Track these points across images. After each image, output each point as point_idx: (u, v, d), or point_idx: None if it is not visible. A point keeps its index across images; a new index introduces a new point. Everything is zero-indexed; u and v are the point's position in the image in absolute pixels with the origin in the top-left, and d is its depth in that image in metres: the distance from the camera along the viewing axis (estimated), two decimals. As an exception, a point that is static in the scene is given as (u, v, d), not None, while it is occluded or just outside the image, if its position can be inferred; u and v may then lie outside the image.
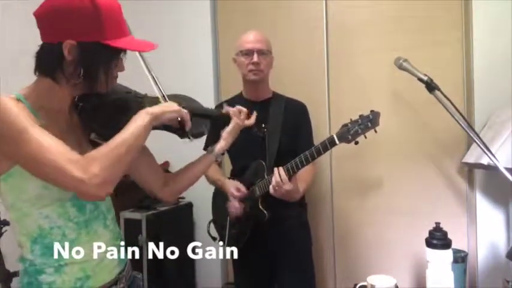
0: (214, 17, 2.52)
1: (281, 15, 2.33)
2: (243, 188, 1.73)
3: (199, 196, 2.30)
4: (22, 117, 0.87)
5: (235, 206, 1.72)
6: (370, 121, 1.48)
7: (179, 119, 1.07)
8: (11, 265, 1.83)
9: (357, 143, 1.50)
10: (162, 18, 2.61)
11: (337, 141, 1.51)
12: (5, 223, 1.81)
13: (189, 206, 2.54)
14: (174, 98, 1.20)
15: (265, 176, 1.70)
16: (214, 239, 1.94)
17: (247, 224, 1.76)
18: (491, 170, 1.64)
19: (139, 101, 1.12)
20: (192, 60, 2.54)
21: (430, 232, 1.34)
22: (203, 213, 2.27)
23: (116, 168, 0.90)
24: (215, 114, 1.31)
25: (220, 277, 2.54)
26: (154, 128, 1.04)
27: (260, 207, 1.71)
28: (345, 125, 1.51)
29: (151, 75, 1.19)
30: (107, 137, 1.00)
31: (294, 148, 1.73)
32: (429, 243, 1.31)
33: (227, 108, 1.34)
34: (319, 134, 1.94)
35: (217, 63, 2.53)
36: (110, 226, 1.09)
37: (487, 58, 1.89)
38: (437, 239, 1.31)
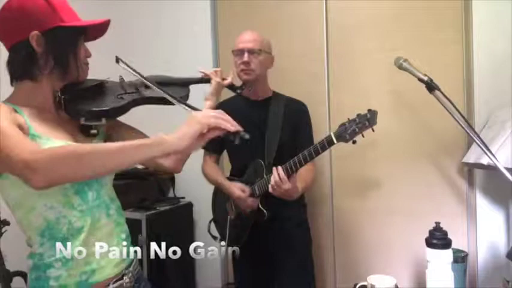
0: (214, 17, 2.52)
1: (281, 15, 2.33)
2: (245, 188, 1.73)
3: (199, 196, 2.30)
4: (3, 116, 0.90)
5: (247, 204, 1.72)
6: (367, 120, 1.48)
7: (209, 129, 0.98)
8: (11, 265, 1.83)
9: (354, 142, 1.49)
10: (162, 18, 2.61)
11: (335, 141, 1.51)
12: (5, 223, 1.81)
13: (189, 206, 2.54)
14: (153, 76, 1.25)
15: (265, 176, 1.70)
16: (215, 238, 1.94)
17: (247, 223, 1.77)
18: (491, 170, 1.64)
19: (118, 84, 1.18)
20: (192, 60, 2.54)
21: (430, 232, 1.34)
22: (203, 213, 2.27)
23: (66, 168, 0.86)
24: (195, 79, 1.42)
25: (220, 277, 2.54)
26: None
27: (260, 206, 1.71)
28: (343, 124, 1.51)
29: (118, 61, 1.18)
30: (95, 116, 1.04)
31: (293, 147, 1.73)
32: (429, 243, 1.31)
33: (204, 71, 1.45)
34: (319, 134, 1.94)
35: (217, 63, 2.53)
36: (113, 216, 1.09)
37: (487, 58, 1.89)
38: (437, 238, 1.31)
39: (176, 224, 2.44)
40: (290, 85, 2.12)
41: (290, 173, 1.59)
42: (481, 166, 1.68)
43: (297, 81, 2.26)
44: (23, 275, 1.88)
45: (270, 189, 1.60)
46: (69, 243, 0.99)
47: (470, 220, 2.00)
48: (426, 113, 2.02)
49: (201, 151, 1.93)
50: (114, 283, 1.05)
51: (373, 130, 1.49)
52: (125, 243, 1.12)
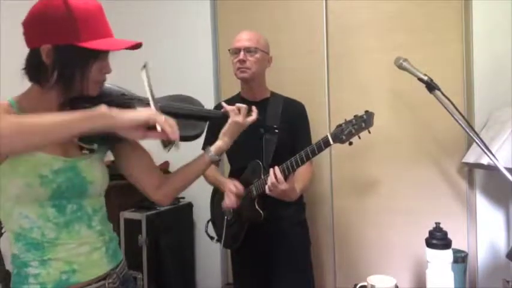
0: (214, 17, 2.52)
1: (281, 15, 2.33)
2: (239, 185, 1.72)
3: (199, 196, 2.30)
4: None
5: (230, 199, 1.69)
6: (364, 121, 1.47)
7: (158, 128, 0.95)
8: (11, 265, 1.83)
9: (351, 143, 1.49)
10: (162, 19, 2.61)
11: (331, 142, 1.51)
12: (5, 223, 1.81)
13: (189, 206, 2.54)
14: (171, 99, 1.20)
15: (262, 176, 1.69)
16: (212, 238, 1.94)
17: (244, 223, 1.76)
18: (491, 170, 1.65)
19: (129, 103, 1.10)
20: (192, 60, 2.54)
21: (430, 232, 1.34)
22: (203, 213, 2.27)
23: (21, 133, 0.82)
24: (211, 115, 1.26)
25: (220, 277, 2.54)
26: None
27: (256, 207, 1.71)
28: (339, 126, 1.51)
29: (147, 78, 1.12)
30: (89, 142, 1.02)
31: (291, 148, 1.72)
32: (429, 243, 1.31)
33: (225, 107, 1.31)
34: (319, 134, 1.93)
35: (217, 63, 2.54)
36: (96, 227, 1.07)
37: (487, 58, 1.89)
38: (437, 239, 1.31)
39: (176, 224, 2.44)
40: (290, 85, 2.12)
41: (287, 174, 1.59)
42: (481, 166, 1.68)
43: (297, 81, 2.26)
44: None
45: (267, 190, 1.60)
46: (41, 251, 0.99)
47: (470, 220, 2.00)
48: (426, 113, 2.02)
49: (199, 152, 1.93)
50: (96, 283, 1.05)
51: (369, 132, 1.49)
52: (109, 246, 1.11)
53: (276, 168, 1.59)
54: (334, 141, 1.51)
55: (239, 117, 1.31)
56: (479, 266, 1.92)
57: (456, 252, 1.55)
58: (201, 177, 1.87)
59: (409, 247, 2.06)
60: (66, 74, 0.97)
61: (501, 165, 1.35)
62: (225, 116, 1.31)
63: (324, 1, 2.24)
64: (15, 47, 2.22)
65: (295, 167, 1.59)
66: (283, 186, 1.57)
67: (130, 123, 0.93)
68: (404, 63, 1.59)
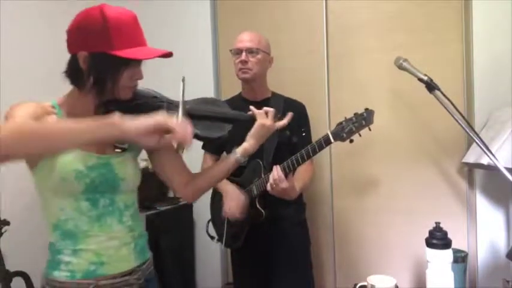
0: (214, 17, 2.52)
1: (281, 15, 2.33)
2: (241, 194, 1.72)
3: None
4: (25, 111, 0.99)
5: (233, 211, 1.71)
6: (364, 119, 1.48)
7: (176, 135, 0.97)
8: (11, 265, 1.83)
9: (351, 141, 1.50)
10: (162, 19, 2.61)
11: (332, 140, 1.52)
12: (5, 223, 1.81)
13: (189, 206, 2.54)
14: (198, 102, 1.24)
15: (263, 175, 1.70)
16: (212, 238, 1.94)
17: (245, 223, 1.76)
18: (491, 170, 1.65)
19: (160, 105, 1.17)
20: (192, 60, 2.54)
21: (430, 232, 1.34)
22: (203, 213, 2.27)
23: (22, 141, 0.86)
24: (238, 117, 1.28)
25: (220, 277, 2.54)
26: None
27: (257, 206, 1.71)
28: (340, 124, 1.52)
29: (182, 82, 1.17)
30: (122, 141, 1.09)
31: (292, 148, 1.73)
32: (429, 243, 1.31)
33: (253, 110, 1.32)
34: (319, 134, 1.93)
35: (217, 64, 2.53)
36: (126, 222, 1.14)
37: (487, 58, 1.89)
38: (437, 239, 1.31)
39: (176, 224, 2.44)
40: (290, 85, 2.12)
41: (288, 172, 1.60)
42: (481, 166, 1.68)
43: (297, 81, 2.26)
44: (23, 275, 1.89)
45: (268, 188, 1.60)
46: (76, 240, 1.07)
47: (470, 220, 2.00)
48: (426, 113, 2.02)
49: (201, 151, 1.94)
50: (121, 277, 1.11)
51: (369, 129, 1.49)
52: (138, 242, 1.17)
53: (277, 166, 1.59)
54: (335, 139, 1.51)
55: (267, 120, 1.31)
56: (479, 266, 1.92)
57: (456, 252, 1.55)
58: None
59: (409, 247, 2.06)
60: (99, 80, 1.05)
61: (501, 165, 1.35)
62: (252, 119, 1.31)
63: (324, 1, 2.24)
64: (15, 47, 2.23)
65: (295, 165, 1.59)
66: (284, 184, 1.57)
67: (137, 131, 0.93)
68: (405, 63, 1.59)
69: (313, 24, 2.26)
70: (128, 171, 1.14)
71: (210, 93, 2.49)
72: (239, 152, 1.29)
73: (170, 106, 1.17)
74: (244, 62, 1.76)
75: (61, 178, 1.02)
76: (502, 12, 1.86)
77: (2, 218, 1.82)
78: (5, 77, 2.07)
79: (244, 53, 1.76)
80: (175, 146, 1.04)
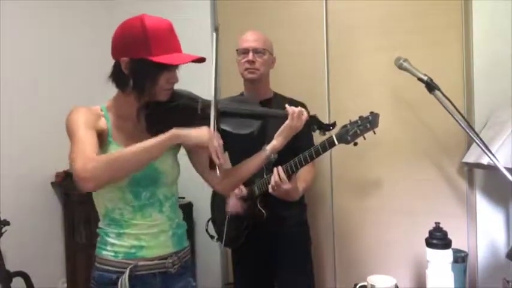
0: (214, 17, 2.52)
1: (281, 15, 2.33)
2: (242, 187, 1.73)
3: (199, 196, 2.30)
4: (81, 121, 1.13)
5: (235, 204, 1.73)
6: (369, 122, 1.48)
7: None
8: (11, 265, 1.83)
9: (355, 144, 1.50)
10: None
11: (336, 142, 1.52)
12: (5, 223, 1.81)
13: (189, 206, 2.54)
14: (229, 100, 1.36)
15: (265, 176, 1.70)
16: (212, 237, 1.94)
17: (245, 223, 1.77)
18: (491, 170, 1.65)
19: (195, 105, 1.30)
20: (192, 60, 2.54)
21: (430, 232, 1.34)
22: (203, 213, 2.27)
23: (108, 171, 1.05)
24: (268, 113, 1.38)
25: (220, 277, 2.54)
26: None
27: (259, 206, 1.72)
28: (344, 126, 1.52)
29: (215, 83, 1.36)
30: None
31: (293, 148, 1.73)
32: (429, 243, 1.31)
33: (288, 109, 1.39)
34: (319, 134, 1.94)
35: (217, 64, 2.53)
36: (165, 212, 1.26)
37: (487, 58, 1.89)
38: (437, 239, 1.31)
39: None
40: (290, 85, 2.12)
41: (290, 173, 1.60)
42: (481, 166, 1.68)
43: (297, 81, 2.26)
44: (23, 275, 1.89)
45: (270, 189, 1.60)
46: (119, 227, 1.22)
47: (470, 220, 2.00)
48: (426, 113, 2.02)
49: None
50: (158, 260, 1.24)
51: (374, 132, 1.49)
52: (176, 232, 1.28)
53: (280, 167, 1.59)
54: (339, 142, 1.52)
55: (297, 122, 1.39)
56: (479, 266, 1.92)
57: (456, 252, 1.55)
58: (201, 178, 1.89)
59: (409, 247, 2.06)
60: (138, 83, 1.17)
61: (501, 165, 1.36)
62: (284, 116, 1.39)
63: (324, 1, 2.24)
64: (15, 47, 2.23)
65: (298, 166, 1.59)
66: (287, 186, 1.57)
67: (192, 143, 1.19)
68: (405, 64, 1.59)
69: (313, 24, 2.26)
70: (167, 165, 1.26)
71: (210, 93, 2.49)
72: (269, 149, 1.39)
73: (204, 105, 1.29)
74: (252, 62, 1.76)
75: None
76: (502, 12, 1.86)
77: (2, 218, 1.82)
78: (5, 77, 2.07)
79: (251, 53, 1.76)
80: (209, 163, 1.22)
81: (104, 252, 1.23)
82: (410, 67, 1.57)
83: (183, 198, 2.53)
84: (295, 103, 1.90)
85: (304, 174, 1.76)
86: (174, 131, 1.13)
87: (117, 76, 1.20)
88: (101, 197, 1.23)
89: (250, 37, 1.79)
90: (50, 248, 2.44)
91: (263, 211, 1.71)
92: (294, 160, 1.60)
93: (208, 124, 1.22)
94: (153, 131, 1.18)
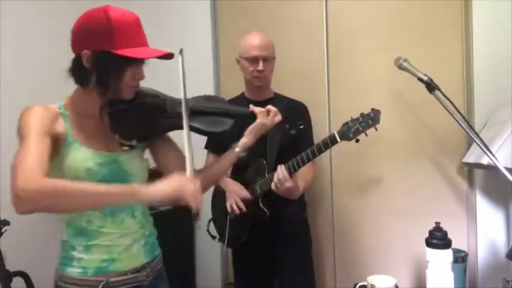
0: (214, 17, 2.52)
1: (281, 16, 2.33)
2: (244, 190, 1.73)
3: (199, 196, 2.29)
4: (35, 124, 1.01)
5: (236, 204, 1.72)
6: (371, 119, 1.49)
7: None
8: (11, 265, 1.83)
9: (357, 141, 1.51)
10: (161, 19, 2.61)
11: (338, 139, 1.52)
12: (5, 223, 1.81)
13: (189, 206, 2.54)
14: (200, 99, 1.28)
15: (266, 175, 1.70)
16: (213, 237, 1.94)
17: (247, 222, 1.77)
18: (491, 170, 1.65)
19: (163, 104, 1.21)
20: (192, 60, 2.53)
21: (430, 232, 1.34)
22: (203, 213, 2.26)
23: (48, 201, 0.92)
24: (239, 112, 1.33)
25: (220, 277, 2.54)
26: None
27: (261, 205, 1.72)
28: (346, 123, 1.53)
29: (183, 80, 1.21)
30: (128, 139, 1.14)
31: (294, 148, 1.73)
32: (429, 243, 1.32)
33: (253, 108, 1.35)
34: (319, 134, 1.94)
35: (217, 63, 2.53)
36: (138, 217, 1.18)
37: (487, 58, 1.89)
38: (437, 238, 1.31)
39: (176, 224, 2.43)
40: (290, 85, 2.12)
41: (292, 171, 1.61)
42: (481, 166, 1.68)
43: (297, 81, 2.26)
44: (23, 275, 1.88)
45: (273, 187, 1.61)
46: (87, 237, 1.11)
47: (470, 220, 2.00)
48: (426, 113, 2.02)
49: (204, 151, 1.94)
50: (131, 274, 1.15)
51: (376, 129, 1.50)
52: (148, 240, 1.21)
53: (282, 165, 1.60)
54: (342, 139, 1.52)
55: (267, 120, 1.34)
56: (479, 266, 1.92)
57: (456, 252, 1.55)
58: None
59: (409, 247, 2.06)
60: (102, 78, 1.08)
61: (501, 165, 1.36)
62: (252, 116, 1.35)
63: (324, 1, 2.23)
64: (16, 47, 2.22)
65: (300, 164, 1.60)
66: (289, 183, 1.58)
67: (155, 199, 1.07)
68: (404, 64, 1.59)
69: (313, 24, 2.26)
70: (137, 167, 1.19)
71: (210, 93, 2.48)
72: (239, 146, 1.33)
73: (172, 104, 1.20)
74: (262, 71, 1.77)
75: (73, 177, 1.05)
76: (502, 12, 1.86)
77: (2, 218, 1.82)
78: (5, 77, 2.07)
79: (261, 62, 1.76)
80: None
81: (69, 269, 1.10)
82: (410, 67, 1.57)
83: (183, 198, 2.53)
84: (294, 104, 1.91)
85: (304, 173, 1.76)
86: (138, 188, 1.02)
87: (78, 71, 1.10)
88: None
89: (259, 44, 1.77)
90: (50, 248, 2.42)
91: (265, 210, 1.71)
92: (296, 158, 1.60)
93: (177, 123, 1.15)
94: (118, 130, 1.13)
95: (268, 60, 1.78)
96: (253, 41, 1.78)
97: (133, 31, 1.09)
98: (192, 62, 2.52)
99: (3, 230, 1.81)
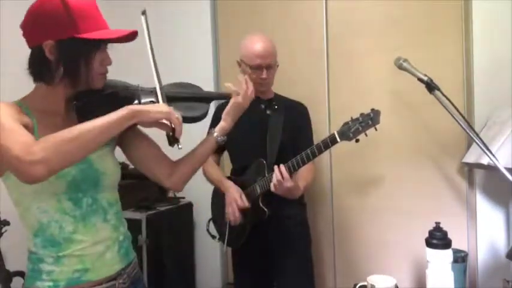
0: (214, 17, 2.52)
1: (281, 15, 2.33)
2: (245, 200, 1.73)
3: (199, 196, 2.30)
4: (4, 114, 0.92)
5: (235, 215, 1.72)
6: (370, 119, 1.49)
7: (168, 122, 1.03)
8: (11, 265, 1.83)
9: (357, 141, 1.51)
10: (162, 18, 2.61)
11: (338, 139, 1.52)
12: (5, 223, 1.81)
13: (189, 206, 2.54)
14: (173, 86, 1.24)
15: (266, 174, 1.70)
16: (213, 237, 1.94)
17: (247, 222, 1.77)
18: (491, 170, 1.64)
19: (133, 93, 1.14)
20: (192, 60, 2.54)
21: (430, 232, 1.34)
22: (203, 213, 2.27)
23: (60, 152, 0.86)
24: (213, 95, 1.29)
25: (220, 277, 2.54)
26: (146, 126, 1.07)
27: (261, 205, 1.72)
28: (346, 123, 1.53)
29: (154, 65, 1.18)
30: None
31: (294, 148, 1.73)
32: (429, 243, 1.31)
33: (228, 86, 1.32)
34: (319, 134, 1.94)
35: (217, 63, 2.53)
36: (111, 221, 1.10)
37: (487, 58, 1.89)
38: (437, 239, 1.31)
39: (176, 224, 2.44)
40: (290, 85, 2.12)
41: (292, 171, 1.61)
42: (481, 166, 1.68)
43: (297, 81, 2.26)
44: (23, 275, 1.88)
45: (272, 187, 1.61)
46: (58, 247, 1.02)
47: (470, 220, 2.00)
48: (426, 113, 2.02)
49: (198, 139, 1.93)
50: (106, 282, 1.07)
51: (375, 129, 1.50)
52: (122, 245, 1.14)
53: (282, 165, 1.60)
54: (341, 139, 1.52)
55: (239, 98, 1.30)
56: (479, 266, 1.92)
57: (456, 252, 1.55)
58: (202, 177, 1.89)
59: (409, 247, 2.06)
60: (71, 67, 1.00)
61: (501, 165, 1.35)
62: (228, 96, 1.32)
63: (324, 1, 2.23)
64: (16, 47, 2.22)
65: (300, 164, 1.60)
66: (289, 183, 1.58)
67: (152, 119, 1.00)
68: (404, 64, 1.59)
69: (313, 24, 2.26)
70: (108, 165, 1.11)
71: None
72: (217, 131, 1.28)
73: (144, 94, 1.16)
74: (265, 79, 1.77)
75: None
76: (502, 12, 1.86)
77: (2, 218, 1.82)
78: (5, 77, 2.07)
79: (265, 71, 1.75)
80: (168, 139, 1.07)
81: (39, 283, 1.01)
82: (410, 67, 1.57)
83: (183, 198, 2.53)
84: (295, 104, 1.91)
85: (304, 173, 1.76)
86: (132, 107, 0.97)
87: (39, 65, 1.00)
88: (30, 211, 1.02)
89: (263, 53, 1.74)
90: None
91: (265, 209, 1.71)
92: (296, 158, 1.60)
93: None
94: None
95: (271, 67, 1.78)
96: (257, 49, 1.74)
97: (93, 14, 1.02)
98: (192, 62, 2.56)
99: (3, 230, 1.81)
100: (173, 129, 1.04)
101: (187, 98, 1.22)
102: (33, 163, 0.83)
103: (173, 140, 1.06)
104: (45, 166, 0.84)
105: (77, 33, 0.97)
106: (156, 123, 1.03)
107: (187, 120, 1.14)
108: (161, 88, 1.14)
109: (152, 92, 1.14)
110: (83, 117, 1.03)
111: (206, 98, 1.25)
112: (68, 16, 0.97)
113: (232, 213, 1.72)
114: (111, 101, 1.10)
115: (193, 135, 1.34)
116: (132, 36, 1.06)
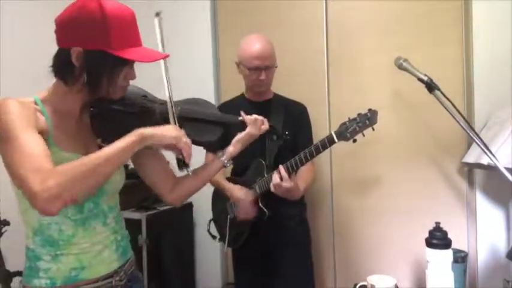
0: (214, 17, 2.52)
1: (281, 15, 2.33)
2: (247, 191, 1.73)
3: (199, 196, 2.27)
4: (19, 120, 0.90)
5: (246, 211, 1.72)
6: (368, 119, 1.49)
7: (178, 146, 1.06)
8: (11, 265, 1.83)
9: (355, 141, 1.51)
10: (161, 18, 2.60)
11: (335, 139, 1.52)
12: (5, 223, 1.81)
13: (189, 206, 2.54)
14: (187, 103, 1.24)
15: (265, 175, 1.70)
16: (214, 237, 1.94)
17: (247, 223, 1.77)
18: (491, 170, 1.65)
19: (149, 106, 1.15)
20: (192, 60, 2.54)
21: (430, 232, 1.34)
22: (203, 213, 2.28)
23: (75, 185, 0.86)
24: (227, 119, 1.28)
25: (220, 277, 2.54)
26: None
27: (260, 205, 1.72)
28: (344, 124, 1.53)
29: (167, 82, 1.18)
30: (110, 142, 1.03)
31: (294, 149, 1.73)
32: (429, 243, 1.31)
33: (244, 117, 1.33)
34: (319, 134, 1.94)
35: (217, 63, 2.53)
36: (110, 224, 1.11)
37: (487, 58, 1.89)
38: (437, 238, 1.31)
39: (176, 224, 2.44)
40: (290, 85, 2.12)
41: (291, 171, 1.61)
42: (481, 166, 1.68)
43: (297, 81, 2.26)
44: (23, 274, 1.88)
45: (272, 188, 1.61)
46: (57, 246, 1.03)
47: (470, 220, 2.00)
48: (426, 113, 2.02)
49: (203, 152, 1.93)
50: (103, 280, 1.08)
51: (373, 129, 1.50)
52: (120, 244, 1.14)
53: (281, 166, 1.60)
54: (339, 139, 1.52)
55: (256, 130, 1.33)
56: (479, 266, 1.92)
57: (456, 252, 1.55)
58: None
59: (409, 247, 2.06)
60: (94, 79, 0.99)
61: (501, 165, 1.36)
62: (242, 124, 1.32)
63: (324, 1, 2.23)
64: (15, 47, 2.22)
65: (299, 164, 1.60)
66: (288, 184, 1.58)
67: (163, 144, 1.04)
68: (405, 64, 1.59)
69: (313, 24, 2.26)
70: (114, 174, 1.09)
71: (210, 93, 2.49)
72: (225, 156, 1.31)
73: (161, 106, 1.16)
74: (263, 80, 1.77)
75: None
76: (502, 12, 1.86)
77: (2, 218, 1.82)
78: (5, 77, 2.07)
79: (263, 72, 1.75)
80: (177, 163, 1.11)
81: (36, 281, 1.02)
82: (410, 67, 1.57)
83: (183, 198, 2.53)
84: (294, 104, 1.91)
85: (304, 173, 1.76)
86: (141, 131, 0.97)
87: (64, 66, 0.99)
88: (31, 210, 0.95)
89: (261, 54, 1.73)
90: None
91: (265, 210, 1.71)
92: (294, 158, 1.60)
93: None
94: (102, 134, 1.06)
95: (270, 68, 1.78)
96: (255, 50, 1.73)
97: (129, 29, 1.00)
98: (192, 62, 2.56)
99: (3, 230, 1.81)
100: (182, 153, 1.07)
101: (200, 120, 1.20)
102: (50, 201, 0.83)
103: (183, 164, 1.10)
104: (59, 203, 0.84)
105: (107, 48, 0.96)
106: (165, 147, 1.06)
107: (196, 143, 1.15)
108: (172, 106, 1.13)
109: (166, 113, 1.14)
110: (97, 124, 1.06)
111: (220, 123, 1.24)
112: (103, 27, 0.95)
113: (244, 212, 1.72)
114: (130, 113, 1.10)
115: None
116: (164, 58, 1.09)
